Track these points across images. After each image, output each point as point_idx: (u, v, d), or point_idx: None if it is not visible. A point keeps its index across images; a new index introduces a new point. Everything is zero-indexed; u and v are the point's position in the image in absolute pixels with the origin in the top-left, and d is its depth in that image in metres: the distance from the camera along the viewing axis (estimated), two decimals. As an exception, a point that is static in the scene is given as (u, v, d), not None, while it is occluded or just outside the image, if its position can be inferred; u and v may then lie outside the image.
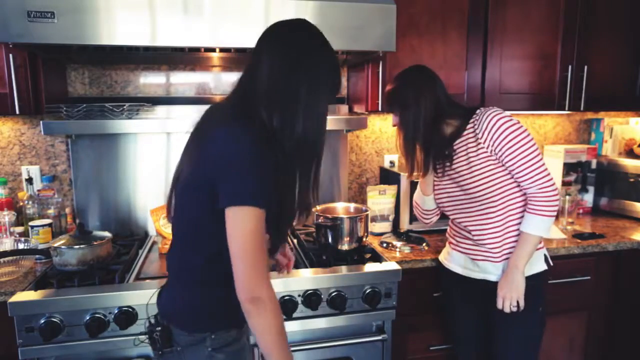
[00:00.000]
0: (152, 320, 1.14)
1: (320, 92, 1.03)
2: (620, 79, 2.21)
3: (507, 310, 1.41)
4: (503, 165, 1.40)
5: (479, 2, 1.97)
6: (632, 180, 2.24)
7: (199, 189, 1.02)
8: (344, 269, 1.60)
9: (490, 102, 2.02)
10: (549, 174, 1.37)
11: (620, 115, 2.62)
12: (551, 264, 1.50)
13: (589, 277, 1.90)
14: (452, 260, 1.60)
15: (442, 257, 1.67)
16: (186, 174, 1.07)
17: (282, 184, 1.03)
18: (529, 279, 1.42)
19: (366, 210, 1.80)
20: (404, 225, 2.02)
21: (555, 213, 1.38)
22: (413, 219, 2.02)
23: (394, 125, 1.52)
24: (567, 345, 1.99)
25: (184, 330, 1.08)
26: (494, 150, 1.39)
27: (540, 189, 1.36)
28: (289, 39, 1.03)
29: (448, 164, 1.47)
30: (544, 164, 1.37)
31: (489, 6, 1.98)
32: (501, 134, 1.36)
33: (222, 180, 0.96)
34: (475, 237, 1.49)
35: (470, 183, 1.44)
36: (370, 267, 1.63)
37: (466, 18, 1.97)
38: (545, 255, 1.48)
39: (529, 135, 1.36)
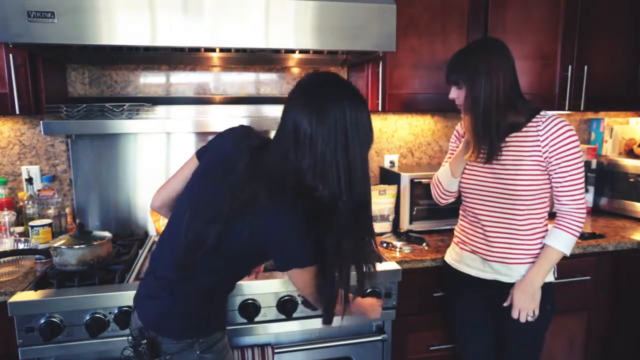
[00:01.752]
0: (135, 334, 1.15)
1: (365, 156, 1.07)
2: (620, 79, 2.21)
3: (522, 320, 1.42)
4: (548, 175, 1.40)
5: (479, 3, 1.97)
6: (632, 180, 2.24)
7: (244, 251, 1.10)
8: (344, 269, 1.59)
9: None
10: (584, 195, 1.39)
11: (620, 115, 2.62)
12: (556, 276, 1.51)
13: (589, 277, 1.90)
14: (462, 261, 1.58)
15: (450, 258, 1.65)
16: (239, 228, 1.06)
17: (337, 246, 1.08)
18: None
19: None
20: (404, 225, 2.02)
21: (579, 233, 1.39)
22: (413, 219, 2.02)
23: (451, 99, 1.46)
24: (567, 345, 1.99)
25: (173, 339, 1.12)
26: (549, 158, 1.38)
27: (575, 208, 1.38)
28: (330, 108, 1.02)
29: (497, 154, 1.42)
30: (584, 185, 1.38)
31: (489, 6, 1.98)
32: (564, 145, 1.35)
33: (279, 249, 1.09)
34: (490, 235, 1.48)
35: (511, 179, 1.41)
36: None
37: (466, 18, 1.97)
38: (554, 269, 1.49)
39: (582, 154, 1.38)
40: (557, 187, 1.40)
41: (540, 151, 1.38)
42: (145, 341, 1.12)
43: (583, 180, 1.38)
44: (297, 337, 1.58)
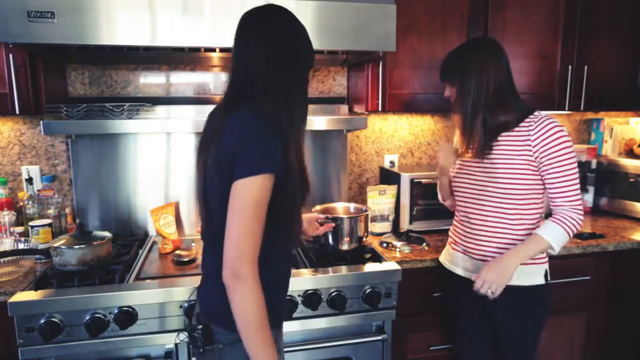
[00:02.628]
0: (193, 320, 1.15)
1: (304, 75, 1.12)
2: (620, 79, 2.21)
3: (483, 291, 1.37)
4: (540, 174, 1.40)
5: (479, 2, 1.97)
6: (632, 180, 2.24)
7: (228, 185, 1.01)
8: (344, 269, 1.60)
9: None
10: (581, 196, 1.39)
11: (620, 115, 2.62)
12: (549, 279, 1.49)
13: (589, 277, 1.90)
14: (453, 261, 1.59)
15: (443, 258, 1.66)
16: (212, 176, 1.05)
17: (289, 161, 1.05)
18: (527, 289, 1.44)
19: (366, 210, 1.80)
20: (404, 225, 2.02)
21: (573, 233, 1.38)
22: (413, 219, 2.02)
23: (446, 97, 1.49)
24: (567, 345, 1.99)
25: (225, 329, 1.08)
26: (539, 158, 1.38)
27: (572, 207, 1.38)
28: (271, 28, 1.07)
29: (486, 151, 1.44)
30: (579, 186, 1.38)
31: (489, 6, 1.98)
32: (554, 145, 1.35)
33: (236, 159, 0.98)
34: (479, 234, 1.48)
35: (501, 178, 1.42)
36: (370, 267, 1.62)
37: (466, 18, 1.97)
38: (546, 271, 1.48)
39: (575, 154, 1.37)
40: (550, 188, 1.39)
41: (530, 151, 1.39)
42: (201, 327, 1.10)
43: (577, 180, 1.37)
44: (297, 337, 1.58)
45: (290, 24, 1.09)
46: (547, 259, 1.49)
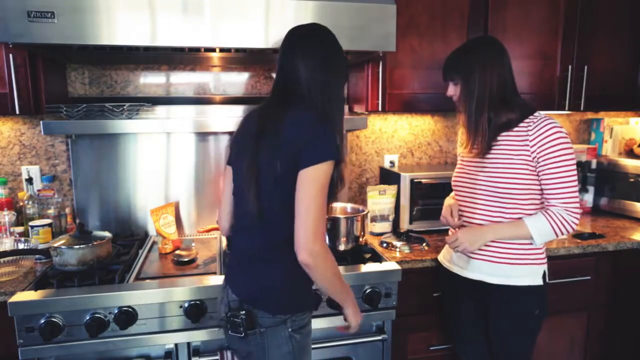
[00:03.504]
0: (233, 305, 1.20)
1: (342, 81, 1.26)
2: (620, 79, 2.21)
3: (450, 245, 1.47)
4: (537, 175, 1.40)
5: (479, 3, 1.97)
6: (632, 180, 2.24)
7: (288, 171, 1.11)
8: (344, 269, 1.59)
9: (490, 102, 2.02)
10: (578, 199, 1.38)
11: (620, 115, 2.62)
12: (547, 281, 1.49)
13: (589, 277, 1.90)
14: (451, 260, 1.60)
15: (442, 257, 1.67)
16: (266, 164, 1.14)
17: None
18: (525, 289, 1.44)
19: (363, 211, 1.80)
20: (404, 225, 2.02)
21: (561, 233, 1.39)
22: (413, 219, 2.02)
23: (449, 96, 1.50)
24: (567, 345, 1.99)
25: (268, 312, 1.16)
26: (537, 158, 1.38)
27: (566, 210, 1.38)
28: (320, 42, 1.21)
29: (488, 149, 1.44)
30: (577, 189, 1.38)
31: (489, 6, 1.98)
32: (552, 147, 1.35)
33: (304, 151, 1.09)
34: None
35: (500, 177, 1.42)
36: (370, 267, 1.62)
37: (466, 18, 1.97)
38: (544, 272, 1.47)
39: (574, 156, 1.37)
40: (546, 189, 1.39)
41: (528, 151, 1.39)
42: (243, 312, 1.16)
43: (575, 183, 1.37)
44: (297, 337, 1.58)
45: (333, 39, 1.23)
46: (546, 260, 1.49)
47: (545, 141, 1.36)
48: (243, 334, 1.16)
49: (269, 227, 1.17)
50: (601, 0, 2.10)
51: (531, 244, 1.43)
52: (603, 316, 2.00)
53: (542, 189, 1.41)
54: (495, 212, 1.45)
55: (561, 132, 1.36)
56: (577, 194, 1.38)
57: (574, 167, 1.37)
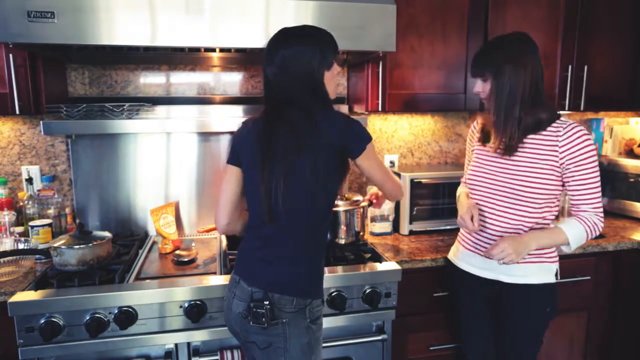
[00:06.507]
0: (256, 296, 1.23)
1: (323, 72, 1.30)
2: (620, 79, 2.21)
3: (496, 257, 1.36)
4: (561, 181, 1.40)
5: (479, 2, 1.97)
6: (632, 180, 2.24)
7: (326, 163, 1.22)
8: (343, 269, 1.60)
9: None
10: (602, 203, 1.40)
11: (620, 115, 2.62)
12: (559, 279, 1.50)
13: (589, 277, 1.90)
14: (463, 258, 1.58)
15: (452, 256, 1.65)
16: (295, 161, 1.20)
17: None
18: (540, 287, 1.45)
19: (361, 200, 1.79)
20: (404, 225, 2.02)
21: (592, 236, 1.40)
22: (413, 219, 2.02)
23: (475, 92, 1.47)
24: (567, 345, 1.99)
25: (293, 295, 1.22)
26: (565, 165, 1.37)
27: (596, 214, 1.39)
28: (315, 40, 1.26)
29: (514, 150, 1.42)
30: (601, 193, 1.39)
31: (489, 6, 1.98)
32: (582, 154, 1.35)
33: (350, 142, 1.24)
34: (494, 233, 1.46)
35: (523, 180, 1.41)
36: (370, 267, 1.62)
37: (466, 18, 1.97)
38: (557, 270, 1.49)
39: (597, 161, 1.38)
40: (574, 195, 1.39)
41: (557, 157, 1.38)
42: (267, 302, 1.20)
43: (600, 187, 1.39)
44: (297, 337, 1.58)
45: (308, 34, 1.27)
46: (558, 258, 1.49)
47: (575, 148, 1.36)
48: (266, 325, 1.19)
49: (295, 219, 1.24)
50: (601, 0, 2.10)
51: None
52: (603, 316, 2.00)
53: (569, 195, 1.41)
54: (516, 215, 1.43)
55: (590, 139, 1.37)
56: (601, 197, 1.40)
57: (598, 173, 1.39)
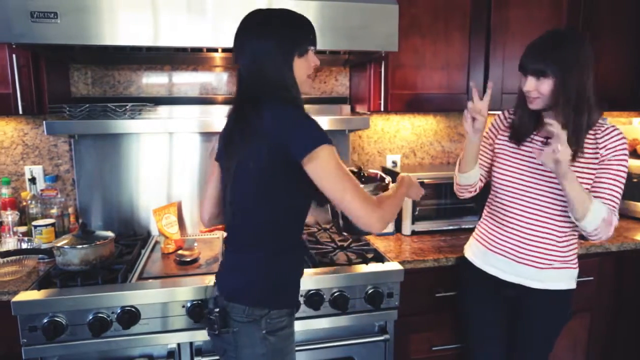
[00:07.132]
0: (211, 303, 1.23)
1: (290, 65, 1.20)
2: (624, 80, 2.20)
3: (551, 152, 1.21)
4: (593, 180, 1.37)
5: (482, 3, 1.97)
6: (635, 180, 2.23)
7: (270, 162, 1.10)
8: (346, 269, 1.60)
9: (492, 103, 2.01)
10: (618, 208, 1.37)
11: (623, 116, 2.61)
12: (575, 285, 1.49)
13: (592, 278, 1.90)
14: (486, 260, 1.53)
15: (472, 255, 1.60)
16: (243, 156, 1.13)
17: None
18: (563, 292, 1.44)
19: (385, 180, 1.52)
20: (407, 225, 2.02)
21: (611, 224, 1.33)
22: (415, 219, 2.02)
23: (526, 90, 1.34)
24: (570, 345, 1.98)
25: (244, 305, 1.15)
26: (602, 163, 1.35)
27: (615, 216, 1.34)
28: (273, 30, 1.17)
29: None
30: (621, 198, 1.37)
31: (492, 6, 1.98)
32: (618, 156, 1.35)
33: (292, 139, 1.07)
34: (524, 237, 1.43)
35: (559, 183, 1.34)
36: (372, 267, 1.62)
37: (469, 18, 1.97)
38: (577, 275, 1.48)
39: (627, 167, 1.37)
40: (602, 193, 1.34)
41: (597, 158, 1.35)
42: (217, 310, 1.17)
43: (622, 193, 1.37)
44: (300, 338, 1.58)
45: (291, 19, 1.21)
46: (577, 263, 1.48)
47: (615, 153, 1.34)
48: (217, 332, 1.18)
49: (246, 218, 1.19)
50: (604, 1, 2.09)
51: (572, 250, 1.43)
52: (606, 317, 1.99)
53: (593, 192, 1.35)
54: (548, 217, 1.40)
55: (626, 142, 1.36)
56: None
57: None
